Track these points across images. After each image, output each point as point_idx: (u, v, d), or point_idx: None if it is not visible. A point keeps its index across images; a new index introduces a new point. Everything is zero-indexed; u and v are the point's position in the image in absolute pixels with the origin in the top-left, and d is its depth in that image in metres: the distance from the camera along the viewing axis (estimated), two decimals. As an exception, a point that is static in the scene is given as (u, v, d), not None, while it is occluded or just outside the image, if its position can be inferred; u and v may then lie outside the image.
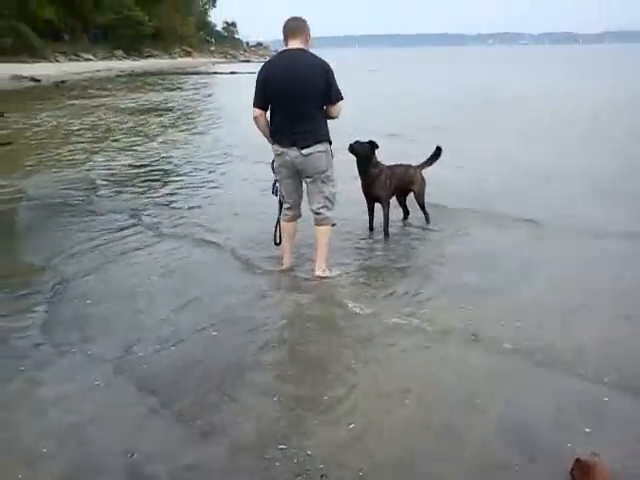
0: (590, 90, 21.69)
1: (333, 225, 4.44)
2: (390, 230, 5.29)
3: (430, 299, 4.02)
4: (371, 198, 5.29)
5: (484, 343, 3.40)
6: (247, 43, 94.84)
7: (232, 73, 39.58)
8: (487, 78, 31.87)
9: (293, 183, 4.37)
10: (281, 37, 4.24)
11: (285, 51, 4.20)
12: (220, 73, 40.24)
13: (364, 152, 5.06)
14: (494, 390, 2.95)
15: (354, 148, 5.06)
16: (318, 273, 4.37)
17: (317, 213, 4.36)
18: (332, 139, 4.29)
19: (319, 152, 4.19)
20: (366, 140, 5.10)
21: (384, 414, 2.78)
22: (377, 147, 5.08)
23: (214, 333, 3.56)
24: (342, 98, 4.19)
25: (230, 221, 5.90)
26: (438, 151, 5.60)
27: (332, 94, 4.14)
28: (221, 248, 5.10)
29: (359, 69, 43.24)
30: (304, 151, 4.15)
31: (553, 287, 4.23)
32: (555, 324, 3.65)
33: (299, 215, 4.54)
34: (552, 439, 2.57)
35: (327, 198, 4.34)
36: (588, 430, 2.62)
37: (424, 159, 5.62)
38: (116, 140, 11.86)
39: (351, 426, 2.68)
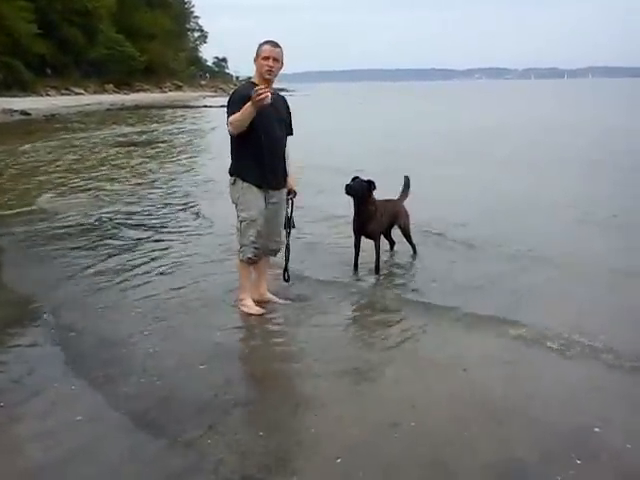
0: (567, 120, 22.15)
1: (243, 261, 4.29)
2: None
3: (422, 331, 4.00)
4: (362, 235, 5.20)
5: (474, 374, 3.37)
6: (237, 77, 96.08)
7: (222, 106, 39.75)
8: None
9: None
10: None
11: None
12: (210, 106, 40.63)
13: (362, 191, 4.99)
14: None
15: (352, 188, 4.97)
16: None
17: None
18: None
19: (229, 184, 4.25)
20: (364, 179, 5.02)
21: (372, 448, 2.73)
22: (375, 187, 5.02)
23: (201, 367, 3.50)
24: (228, 115, 4.04)
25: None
26: (407, 180, 5.66)
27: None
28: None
29: (348, 102, 43.78)
30: None
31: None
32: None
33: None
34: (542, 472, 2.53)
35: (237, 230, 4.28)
36: (579, 462, 2.59)
37: (399, 191, 5.65)
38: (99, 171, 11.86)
39: (338, 460, 2.62)
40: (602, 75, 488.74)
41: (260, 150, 4.09)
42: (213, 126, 23.67)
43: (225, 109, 4.10)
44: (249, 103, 3.80)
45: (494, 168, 11.52)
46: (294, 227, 4.54)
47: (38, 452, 2.73)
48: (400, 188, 5.68)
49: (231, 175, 4.23)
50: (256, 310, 4.28)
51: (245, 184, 4.14)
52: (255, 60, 4.09)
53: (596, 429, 2.83)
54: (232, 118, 3.97)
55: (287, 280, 4.61)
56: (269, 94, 3.77)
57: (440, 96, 67.23)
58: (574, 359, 3.58)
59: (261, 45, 4.09)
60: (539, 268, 5.29)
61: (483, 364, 3.54)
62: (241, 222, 4.19)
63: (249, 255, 4.22)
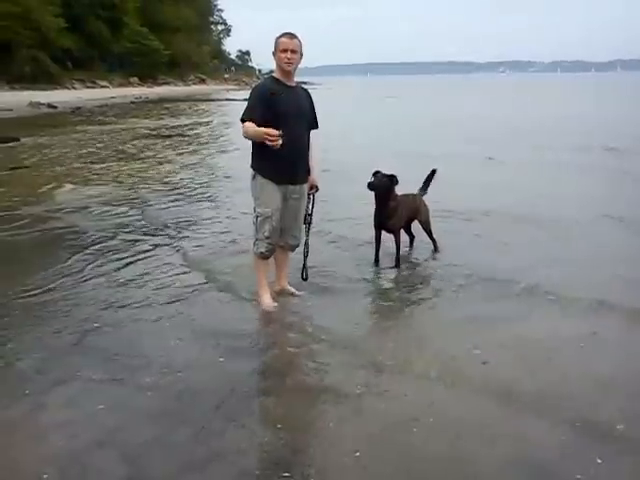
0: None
1: (257, 255, 4.31)
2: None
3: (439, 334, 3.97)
4: (383, 229, 5.19)
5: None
6: (259, 70, 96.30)
7: (245, 100, 39.70)
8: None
9: None
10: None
11: None
12: (233, 99, 40.71)
13: (384, 187, 4.98)
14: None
15: (374, 186, 4.96)
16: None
17: None
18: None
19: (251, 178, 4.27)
20: (386, 174, 5.00)
21: (391, 442, 2.72)
22: (397, 182, 5.01)
23: (220, 359, 3.54)
24: (242, 120, 4.07)
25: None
26: (431, 175, 5.63)
27: None
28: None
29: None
30: None
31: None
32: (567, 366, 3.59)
33: (282, 245, 4.43)
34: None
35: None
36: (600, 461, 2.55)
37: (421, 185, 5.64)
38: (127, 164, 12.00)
39: (357, 454, 2.62)
40: (630, 68, 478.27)
41: (280, 145, 4.06)
42: (236, 120, 23.71)
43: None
44: (264, 131, 3.82)
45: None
46: (311, 223, 4.54)
47: (61, 440, 2.77)
48: (423, 181, 5.65)
49: (252, 169, 4.25)
50: (271, 305, 4.30)
51: (264, 180, 4.15)
52: (274, 54, 4.08)
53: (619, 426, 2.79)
54: (245, 128, 4.00)
55: (305, 279, 4.61)
56: (280, 142, 3.80)
57: (471, 90, 66.48)
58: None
59: (278, 38, 4.08)
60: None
61: (503, 356, 3.50)
62: (257, 217, 4.21)
63: (262, 250, 4.24)
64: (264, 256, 4.29)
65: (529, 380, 3.25)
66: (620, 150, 12.58)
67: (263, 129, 3.83)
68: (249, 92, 4.26)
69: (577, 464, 2.55)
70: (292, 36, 4.08)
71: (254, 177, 4.22)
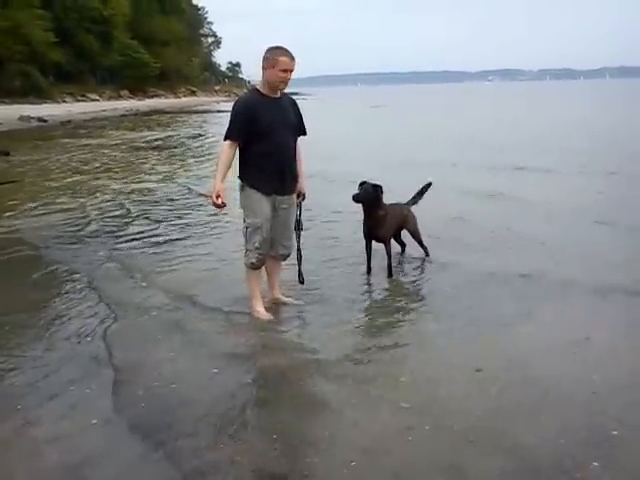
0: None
1: (247, 265, 4.29)
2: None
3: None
4: (373, 239, 5.17)
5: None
6: (249, 82, 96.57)
7: (235, 111, 39.72)
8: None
9: None
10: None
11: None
12: (223, 111, 40.77)
13: (370, 198, 4.96)
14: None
15: (359, 197, 4.94)
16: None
17: None
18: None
19: (238, 189, 4.26)
20: (372, 184, 4.98)
21: (387, 451, 2.71)
22: (382, 191, 5.00)
23: (214, 371, 3.52)
24: (225, 138, 4.09)
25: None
26: (425, 188, 5.64)
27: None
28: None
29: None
30: None
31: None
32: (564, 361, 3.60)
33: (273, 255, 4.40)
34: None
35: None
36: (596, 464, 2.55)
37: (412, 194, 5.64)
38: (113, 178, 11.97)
39: (352, 464, 2.61)
40: (618, 75, 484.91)
41: (267, 157, 4.08)
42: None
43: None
44: (216, 191, 4.01)
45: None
46: (302, 229, 4.54)
47: (54, 455, 2.75)
48: (416, 191, 5.66)
49: (239, 180, 4.24)
50: (265, 316, 4.28)
51: (252, 190, 4.14)
52: (267, 68, 4.00)
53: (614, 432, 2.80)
54: (221, 154, 4.11)
55: (302, 282, 4.61)
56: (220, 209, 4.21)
57: (459, 98, 66.96)
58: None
59: (278, 55, 3.97)
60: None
61: (498, 365, 3.51)
62: (247, 228, 4.20)
63: (252, 260, 4.23)
64: (255, 266, 4.28)
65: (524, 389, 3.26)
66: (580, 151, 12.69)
67: (218, 188, 4.00)
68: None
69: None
70: (292, 57, 4.00)
71: (242, 188, 4.20)
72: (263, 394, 3.30)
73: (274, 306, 4.46)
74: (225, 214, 6.55)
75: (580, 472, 2.51)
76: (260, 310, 4.30)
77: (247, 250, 4.25)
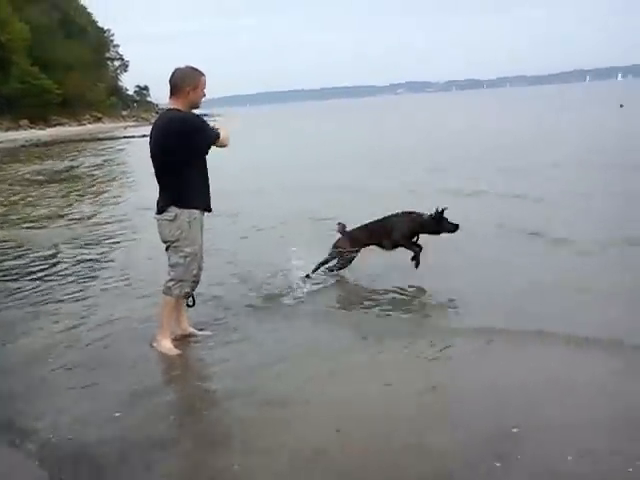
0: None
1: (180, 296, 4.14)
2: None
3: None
4: None
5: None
6: (157, 105, 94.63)
7: (144, 136, 38.50)
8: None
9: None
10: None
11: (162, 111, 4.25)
12: (131, 136, 39.68)
13: None
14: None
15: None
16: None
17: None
18: None
19: (164, 220, 4.03)
20: None
21: (300, 477, 2.69)
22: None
23: (117, 414, 3.33)
24: (215, 136, 4.07)
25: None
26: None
27: (193, 147, 3.99)
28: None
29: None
30: (155, 216, 4.10)
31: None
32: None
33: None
34: None
35: (171, 266, 4.10)
36: (498, 465, 2.63)
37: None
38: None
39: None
40: (519, 84, 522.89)
41: (206, 172, 4.15)
42: (129, 158, 23.09)
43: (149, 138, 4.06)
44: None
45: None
46: None
47: None
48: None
49: (168, 209, 4.00)
50: (174, 351, 4.14)
51: (192, 217, 4.00)
52: (192, 89, 3.99)
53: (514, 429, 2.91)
54: (221, 136, 4.09)
55: (191, 305, 4.34)
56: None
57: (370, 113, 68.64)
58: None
59: (199, 76, 4.04)
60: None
61: (405, 381, 3.57)
62: (185, 257, 4.03)
63: (187, 289, 4.12)
64: (188, 295, 4.19)
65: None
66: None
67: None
68: (188, 126, 3.96)
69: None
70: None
71: (177, 217, 3.98)
72: (168, 432, 3.16)
73: (184, 338, 4.31)
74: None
75: None
76: (168, 345, 4.14)
77: (181, 280, 4.07)
